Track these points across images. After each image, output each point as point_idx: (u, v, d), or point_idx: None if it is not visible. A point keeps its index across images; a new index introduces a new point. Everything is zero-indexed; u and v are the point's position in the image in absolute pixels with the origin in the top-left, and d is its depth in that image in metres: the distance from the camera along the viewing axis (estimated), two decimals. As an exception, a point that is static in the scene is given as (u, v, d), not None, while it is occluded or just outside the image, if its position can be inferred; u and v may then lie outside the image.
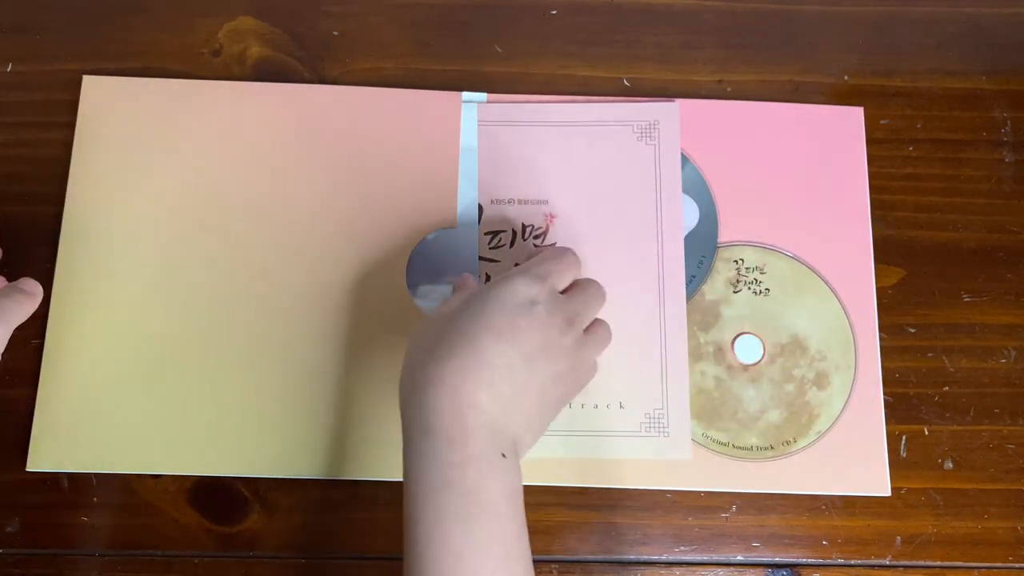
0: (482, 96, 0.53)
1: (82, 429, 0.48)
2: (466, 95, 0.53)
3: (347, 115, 0.52)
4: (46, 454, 0.47)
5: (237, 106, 0.52)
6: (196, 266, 0.50)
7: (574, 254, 0.45)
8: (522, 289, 0.41)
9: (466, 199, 0.52)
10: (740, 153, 0.53)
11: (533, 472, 0.48)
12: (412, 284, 0.50)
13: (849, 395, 0.50)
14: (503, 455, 0.38)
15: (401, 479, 0.47)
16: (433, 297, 0.50)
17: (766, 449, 0.49)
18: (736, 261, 0.51)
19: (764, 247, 0.52)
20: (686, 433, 0.49)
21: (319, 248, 0.51)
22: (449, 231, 0.51)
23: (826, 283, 0.51)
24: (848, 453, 0.49)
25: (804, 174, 0.53)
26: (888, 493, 0.49)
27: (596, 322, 0.46)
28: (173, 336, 0.49)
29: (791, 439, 0.49)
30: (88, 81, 0.52)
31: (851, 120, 0.54)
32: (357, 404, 0.48)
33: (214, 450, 0.48)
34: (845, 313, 0.51)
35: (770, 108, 0.54)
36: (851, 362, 0.50)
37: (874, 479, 0.49)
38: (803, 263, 0.52)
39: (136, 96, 0.52)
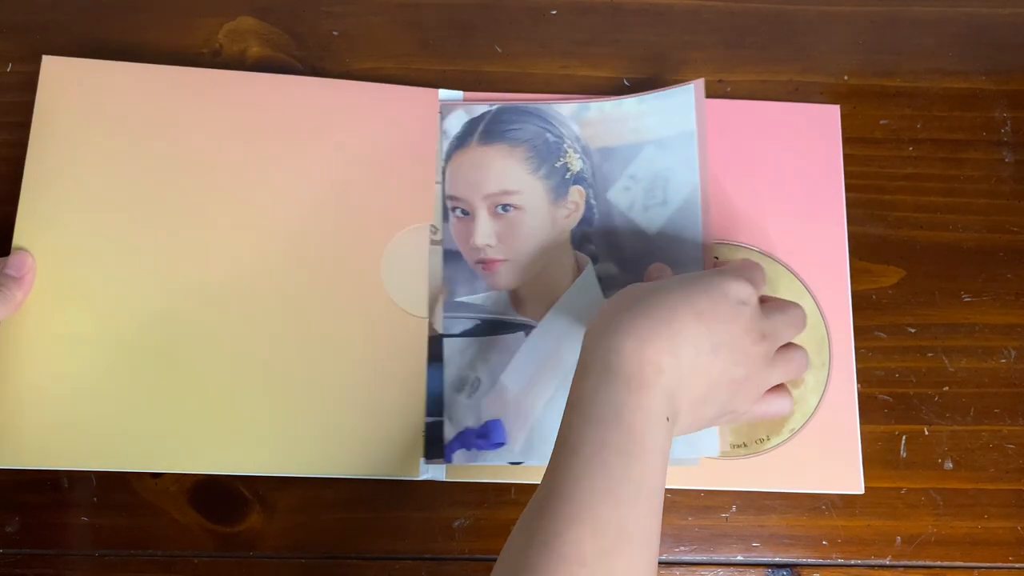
0: (458, 94, 0.53)
1: (39, 426, 0.47)
2: (443, 92, 0.53)
3: (321, 106, 0.52)
4: (7, 451, 0.47)
5: (205, 93, 0.51)
6: (161, 258, 0.49)
7: (763, 270, 0.46)
8: (735, 286, 0.41)
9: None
10: (714, 151, 0.52)
11: (534, 472, 0.48)
12: (388, 279, 0.50)
13: (823, 393, 0.50)
14: (667, 419, 0.38)
15: (394, 478, 0.48)
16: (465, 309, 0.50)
17: (739, 447, 0.49)
18: (713, 259, 0.51)
19: (739, 245, 0.52)
20: (713, 430, 0.48)
21: (293, 241, 0.50)
22: (427, 227, 0.51)
23: (801, 282, 0.51)
24: (821, 451, 0.49)
25: (780, 172, 0.53)
26: (861, 491, 0.49)
27: (791, 346, 0.44)
28: (136, 328, 0.48)
29: (764, 437, 0.49)
30: (48, 62, 0.51)
31: (827, 118, 0.54)
32: (332, 398, 0.48)
33: (188, 447, 0.47)
34: (820, 312, 0.51)
35: (745, 106, 0.54)
36: (825, 360, 0.50)
37: (847, 477, 0.49)
38: (778, 261, 0.51)
39: (97, 78, 0.51)
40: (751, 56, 0.55)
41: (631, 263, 0.50)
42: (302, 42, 0.54)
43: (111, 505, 0.48)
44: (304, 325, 0.49)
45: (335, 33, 0.55)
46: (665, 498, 0.48)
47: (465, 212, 0.51)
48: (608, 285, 0.50)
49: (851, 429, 0.49)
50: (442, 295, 0.50)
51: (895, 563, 0.49)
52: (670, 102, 0.52)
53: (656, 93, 0.52)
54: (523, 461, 0.48)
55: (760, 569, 0.49)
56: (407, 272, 0.50)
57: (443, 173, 0.51)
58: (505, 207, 0.51)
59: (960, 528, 0.49)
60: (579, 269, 0.50)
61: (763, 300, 0.44)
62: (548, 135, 0.52)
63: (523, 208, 0.51)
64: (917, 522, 0.49)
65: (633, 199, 0.51)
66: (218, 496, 0.48)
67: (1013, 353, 0.52)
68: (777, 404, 0.44)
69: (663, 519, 0.48)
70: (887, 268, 0.53)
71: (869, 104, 0.55)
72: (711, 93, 0.54)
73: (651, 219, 0.51)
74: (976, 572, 0.49)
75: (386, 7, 0.55)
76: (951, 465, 0.50)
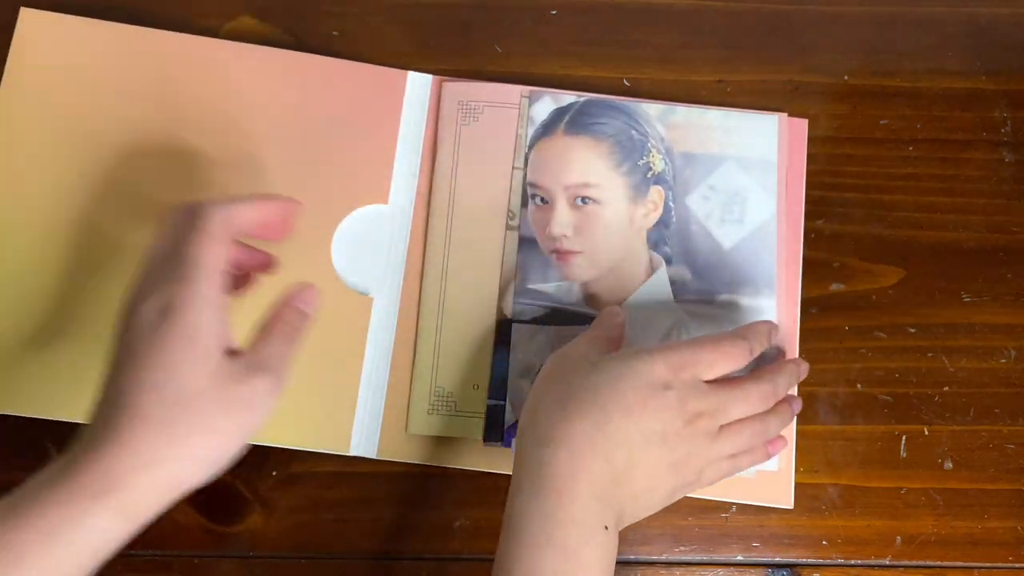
0: (427, 78, 0.53)
1: None
2: (411, 74, 0.53)
3: (286, 79, 0.52)
4: None
5: (173, 57, 0.52)
6: (108, 218, 0.49)
7: (747, 348, 0.43)
8: (659, 371, 0.41)
9: (402, 178, 0.52)
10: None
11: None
12: (339, 256, 0.50)
13: None
14: (605, 527, 0.38)
15: (321, 451, 0.47)
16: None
17: None
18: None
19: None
20: (789, 478, 0.48)
21: None
22: (379, 207, 0.51)
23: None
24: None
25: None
26: (791, 506, 0.48)
27: (744, 421, 0.43)
28: (70, 282, 0.48)
29: None
30: (25, 14, 0.51)
31: (795, 130, 0.53)
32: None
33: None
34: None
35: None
36: None
37: (778, 490, 0.48)
38: None
39: (73, 35, 0.51)
40: (751, 56, 0.55)
41: (704, 271, 0.50)
42: (302, 42, 0.54)
43: (111, 505, 0.48)
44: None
45: (335, 33, 0.55)
46: (665, 498, 0.49)
47: (544, 200, 0.51)
48: (679, 289, 0.50)
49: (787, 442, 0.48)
50: (514, 280, 0.50)
51: (895, 563, 0.49)
52: (754, 125, 0.52)
53: (741, 112, 0.53)
54: None
55: (760, 569, 0.49)
56: (359, 250, 0.50)
57: (526, 159, 0.51)
58: (584, 199, 0.51)
59: (960, 528, 0.49)
60: (652, 269, 0.50)
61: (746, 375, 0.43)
62: (634, 132, 0.52)
63: (602, 202, 0.51)
64: (917, 522, 0.49)
65: (711, 210, 0.51)
66: (218, 496, 0.48)
67: (1013, 353, 0.52)
68: (744, 461, 0.44)
69: (663, 519, 0.48)
70: (887, 268, 0.53)
71: (869, 104, 0.55)
72: (711, 93, 0.54)
73: (726, 234, 0.51)
74: (976, 572, 0.49)
75: (386, 7, 0.55)
76: (951, 465, 0.50)
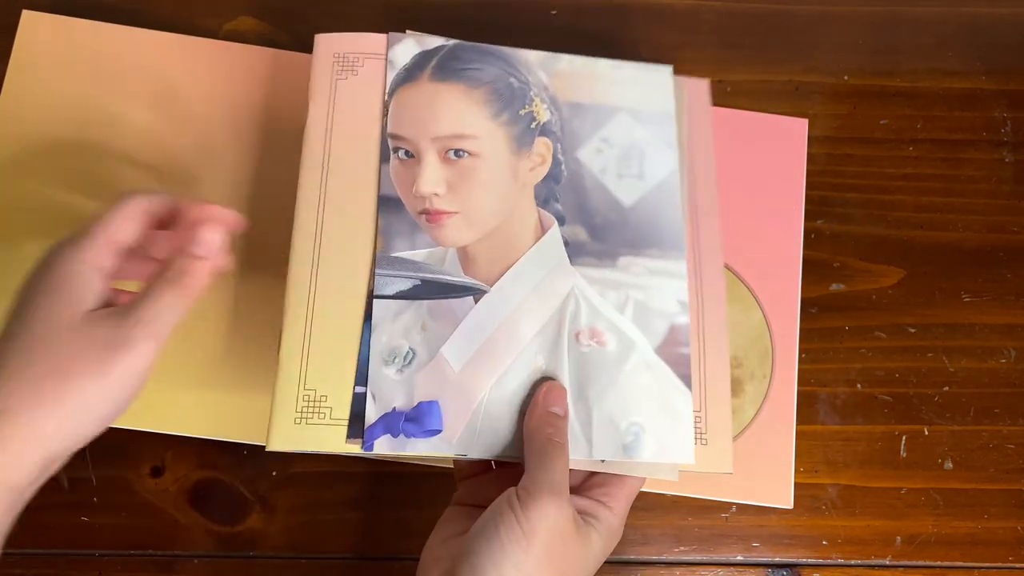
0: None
1: None
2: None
3: (287, 79, 0.52)
4: None
5: (177, 58, 0.52)
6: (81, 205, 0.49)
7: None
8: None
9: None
10: None
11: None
12: None
13: (761, 405, 0.49)
14: None
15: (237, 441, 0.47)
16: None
17: None
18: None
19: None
20: (727, 442, 0.42)
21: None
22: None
23: (752, 293, 0.51)
24: (754, 462, 0.48)
25: (742, 183, 0.52)
26: (790, 505, 0.48)
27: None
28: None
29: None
30: (27, 16, 0.52)
31: (794, 131, 0.53)
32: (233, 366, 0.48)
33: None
34: (767, 324, 0.51)
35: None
36: (767, 372, 0.50)
37: (777, 490, 0.48)
38: (731, 271, 0.51)
39: (75, 36, 0.52)
40: (751, 56, 0.55)
41: (602, 231, 0.45)
42: (302, 42, 0.54)
43: (111, 505, 0.48)
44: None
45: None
46: (665, 498, 0.49)
47: (409, 154, 0.44)
48: (575, 251, 0.44)
49: (786, 443, 0.49)
50: (375, 248, 0.42)
51: (895, 563, 0.49)
52: (647, 76, 0.48)
53: (633, 63, 0.48)
54: (466, 454, 0.40)
55: (760, 569, 0.49)
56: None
57: (386, 108, 0.45)
58: (458, 152, 0.44)
59: (960, 528, 0.49)
60: (543, 230, 0.44)
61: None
62: (512, 80, 0.46)
63: (480, 155, 0.44)
64: (917, 522, 0.49)
65: (606, 163, 0.46)
66: (218, 496, 0.48)
67: (1013, 353, 0.52)
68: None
69: (663, 519, 0.48)
70: (887, 268, 0.53)
71: (869, 104, 0.55)
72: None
73: (624, 190, 0.45)
74: (976, 572, 0.49)
75: (386, 9, 0.55)
76: (951, 465, 0.50)
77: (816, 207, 0.53)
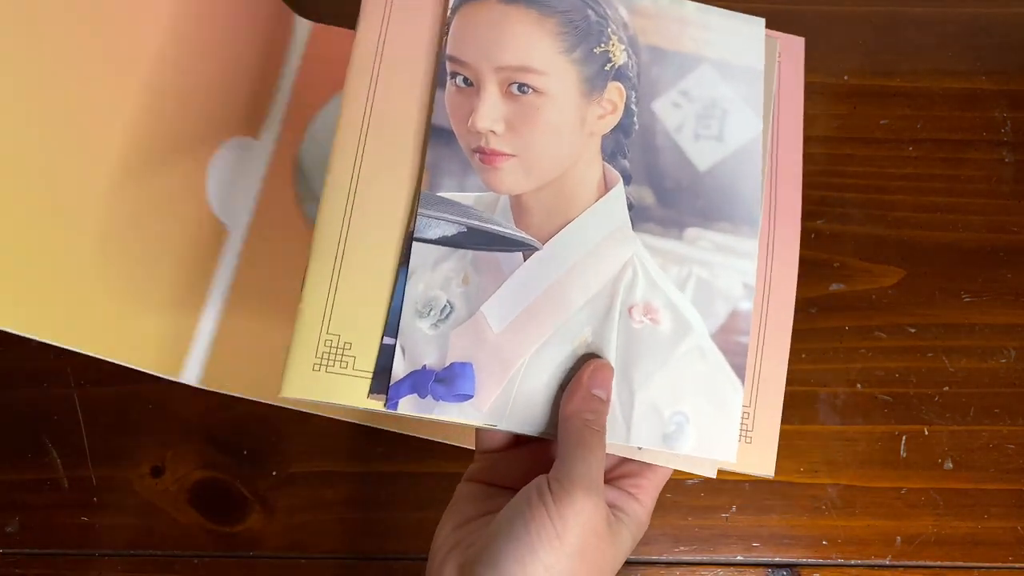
0: (307, 23, 0.53)
1: None
2: (299, 18, 0.53)
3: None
4: None
5: None
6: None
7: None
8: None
9: (277, 114, 0.49)
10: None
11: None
12: (212, 192, 0.48)
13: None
14: None
15: (146, 370, 0.47)
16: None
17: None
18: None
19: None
20: (773, 444, 0.39)
21: (114, 132, 0.43)
22: (247, 140, 0.49)
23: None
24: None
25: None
26: (771, 475, 0.41)
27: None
28: None
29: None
30: None
31: (791, 51, 0.45)
32: (93, 263, 0.42)
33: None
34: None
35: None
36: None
37: (759, 458, 0.40)
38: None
39: None
40: (751, 56, 0.55)
41: (671, 196, 0.40)
42: None
43: (111, 505, 0.48)
44: (116, 202, 0.42)
45: None
46: (665, 498, 0.49)
47: (468, 82, 0.39)
48: (638, 216, 0.39)
49: (772, 419, 0.41)
50: (419, 184, 0.38)
51: (895, 563, 0.49)
52: (738, 26, 0.43)
53: (725, 11, 0.43)
54: (495, 425, 0.37)
55: (760, 569, 0.49)
56: (231, 182, 0.48)
57: (447, 27, 0.39)
58: (523, 87, 0.39)
59: (960, 528, 0.49)
60: (606, 187, 0.40)
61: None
62: (591, 12, 0.40)
63: (546, 93, 0.39)
64: (917, 522, 0.49)
65: (683, 120, 0.41)
66: (218, 496, 0.48)
67: (1013, 353, 0.52)
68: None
69: (663, 519, 0.48)
70: (887, 268, 0.53)
71: (869, 104, 0.55)
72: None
73: (701, 152, 0.41)
74: (976, 572, 0.49)
75: (386, 7, 0.55)
76: (951, 465, 0.50)
77: (816, 207, 0.53)
